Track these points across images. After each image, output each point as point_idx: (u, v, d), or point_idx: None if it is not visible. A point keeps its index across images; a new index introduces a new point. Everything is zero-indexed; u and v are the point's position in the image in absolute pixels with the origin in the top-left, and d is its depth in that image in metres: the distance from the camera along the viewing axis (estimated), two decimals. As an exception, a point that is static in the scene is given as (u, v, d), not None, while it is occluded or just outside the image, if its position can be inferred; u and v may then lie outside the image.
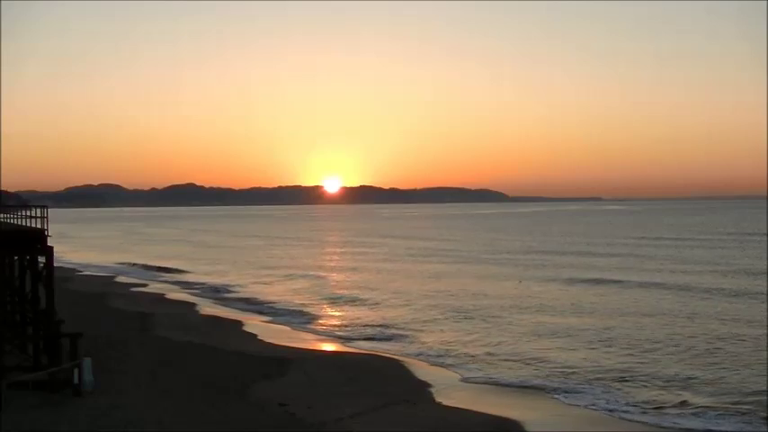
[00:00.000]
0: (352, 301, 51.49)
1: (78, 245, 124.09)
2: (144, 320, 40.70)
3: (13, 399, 22.29)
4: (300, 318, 45.00)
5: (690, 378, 27.77)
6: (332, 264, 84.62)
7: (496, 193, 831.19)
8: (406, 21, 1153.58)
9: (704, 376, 28.02)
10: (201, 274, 74.09)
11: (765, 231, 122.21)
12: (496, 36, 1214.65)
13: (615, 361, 30.95)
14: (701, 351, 32.42)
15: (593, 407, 24.58)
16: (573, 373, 29.02)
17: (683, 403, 24.62)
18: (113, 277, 71.26)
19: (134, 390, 24.61)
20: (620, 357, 31.64)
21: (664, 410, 23.98)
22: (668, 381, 27.43)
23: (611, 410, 24.16)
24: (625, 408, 24.36)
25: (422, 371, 29.95)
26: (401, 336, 38.00)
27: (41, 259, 27.08)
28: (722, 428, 22.25)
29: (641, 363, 30.53)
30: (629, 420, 23.22)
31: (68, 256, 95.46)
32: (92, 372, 23.84)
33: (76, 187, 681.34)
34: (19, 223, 34.05)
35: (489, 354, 32.95)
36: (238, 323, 42.30)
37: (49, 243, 26.91)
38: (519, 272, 68.52)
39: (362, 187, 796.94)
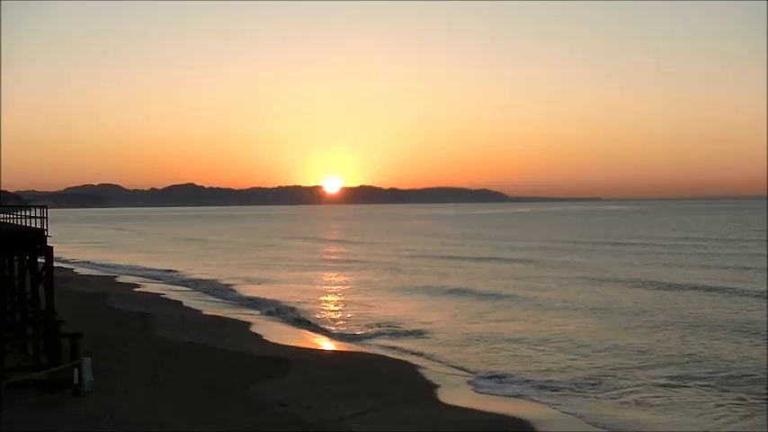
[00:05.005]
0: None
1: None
2: (144, 320, 40.63)
3: (13, 399, 22.29)
4: (299, 318, 44.98)
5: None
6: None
7: (496, 193, 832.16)
8: (405, 21, 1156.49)
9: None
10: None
11: (717, 236, 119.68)
12: (496, 36, 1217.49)
13: (617, 362, 31.01)
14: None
15: (600, 406, 24.59)
16: (577, 372, 29.05)
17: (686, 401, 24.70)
18: (114, 277, 71.25)
19: (134, 390, 24.60)
20: (620, 359, 31.69)
21: (670, 409, 24.02)
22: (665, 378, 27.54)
23: (617, 409, 24.19)
24: (631, 407, 24.37)
25: (424, 370, 29.92)
26: (402, 335, 38.01)
27: (41, 259, 27.06)
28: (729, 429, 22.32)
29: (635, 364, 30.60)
30: (635, 420, 23.22)
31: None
32: (92, 372, 23.84)
33: (76, 187, 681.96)
34: (19, 223, 34.03)
35: (491, 353, 32.96)
36: (239, 323, 42.26)
37: (49, 243, 26.91)
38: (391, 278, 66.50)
39: (362, 187, 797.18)
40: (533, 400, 25.44)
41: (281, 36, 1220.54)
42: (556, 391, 26.47)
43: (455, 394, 26.16)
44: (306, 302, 51.15)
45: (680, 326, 38.68)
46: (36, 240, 27.02)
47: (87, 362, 23.79)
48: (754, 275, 61.16)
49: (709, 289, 52.76)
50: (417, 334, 38.25)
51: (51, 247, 26.56)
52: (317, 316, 45.47)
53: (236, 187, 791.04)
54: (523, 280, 61.86)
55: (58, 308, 27.46)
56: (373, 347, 35.38)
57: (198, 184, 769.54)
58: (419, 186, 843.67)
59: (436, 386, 27.21)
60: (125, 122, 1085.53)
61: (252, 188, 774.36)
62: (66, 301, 41.18)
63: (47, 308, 26.27)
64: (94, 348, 28.16)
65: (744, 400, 24.90)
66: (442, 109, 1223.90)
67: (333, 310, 48.04)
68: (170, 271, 76.16)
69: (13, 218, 35.72)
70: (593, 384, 27.13)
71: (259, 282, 64.81)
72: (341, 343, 37.15)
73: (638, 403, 24.76)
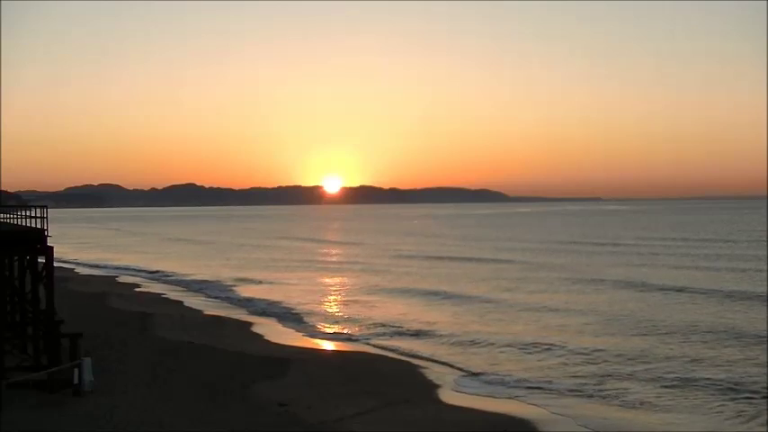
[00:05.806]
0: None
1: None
2: (144, 320, 40.65)
3: (13, 399, 22.29)
4: (299, 318, 44.98)
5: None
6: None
7: (496, 193, 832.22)
8: (405, 21, 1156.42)
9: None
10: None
11: (700, 237, 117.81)
12: (496, 36, 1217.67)
13: (619, 363, 31.01)
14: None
15: (602, 407, 24.59)
16: (578, 373, 29.04)
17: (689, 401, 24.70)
18: (114, 277, 71.24)
19: (134, 390, 24.59)
20: (619, 359, 31.70)
21: (672, 411, 24.02)
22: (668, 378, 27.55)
23: (620, 410, 24.17)
24: (633, 408, 24.38)
25: (424, 370, 29.91)
26: (402, 335, 38.01)
27: (41, 259, 27.06)
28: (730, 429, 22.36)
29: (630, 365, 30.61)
30: (637, 421, 23.20)
31: None
32: (92, 372, 23.84)
33: (76, 187, 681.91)
34: (19, 223, 34.03)
35: (492, 353, 32.95)
36: (239, 323, 42.27)
37: (49, 243, 26.91)
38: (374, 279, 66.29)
39: (362, 187, 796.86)
40: (533, 401, 25.39)
41: (281, 36, 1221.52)
42: (556, 391, 26.46)
43: (455, 394, 26.15)
44: (306, 302, 51.16)
45: (681, 327, 38.62)
46: (36, 240, 27.02)
47: (87, 362, 23.79)
48: (755, 276, 61.13)
49: (709, 290, 52.65)
50: (417, 334, 38.25)
51: (51, 247, 26.57)
52: (317, 316, 45.46)
53: (236, 187, 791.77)
54: (524, 281, 61.82)
55: (58, 308, 27.46)
56: (373, 347, 35.38)
57: (198, 184, 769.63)
58: (419, 186, 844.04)
59: (436, 386, 27.20)
60: (125, 122, 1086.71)
61: (252, 188, 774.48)
62: (66, 301, 41.20)
63: (47, 308, 26.27)
64: (94, 348, 28.18)
65: (745, 401, 24.86)
66: (442, 109, 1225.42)
67: (333, 311, 48.03)
68: (166, 272, 76.14)
69: (13, 218, 35.72)
70: (594, 385, 27.11)
71: (259, 282, 64.80)
72: (341, 343, 37.15)
73: (640, 404, 24.73)
